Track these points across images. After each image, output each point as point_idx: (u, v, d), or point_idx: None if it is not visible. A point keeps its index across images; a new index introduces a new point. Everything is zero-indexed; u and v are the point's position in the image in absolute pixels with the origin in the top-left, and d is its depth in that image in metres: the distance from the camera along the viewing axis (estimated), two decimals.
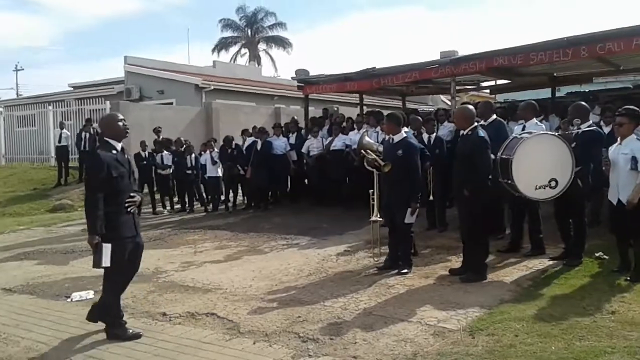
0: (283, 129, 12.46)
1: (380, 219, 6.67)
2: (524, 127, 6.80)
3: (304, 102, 13.84)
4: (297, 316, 4.83)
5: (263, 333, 4.48)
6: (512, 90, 14.32)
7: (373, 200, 6.82)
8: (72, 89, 26.45)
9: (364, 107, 14.40)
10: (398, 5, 77.92)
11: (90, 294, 5.88)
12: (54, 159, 17.02)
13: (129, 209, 4.54)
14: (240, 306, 5.22)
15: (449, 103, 14.00)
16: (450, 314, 4.71)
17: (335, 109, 15.50)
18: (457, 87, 13.97)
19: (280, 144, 11.78)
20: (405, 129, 6.84)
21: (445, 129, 9.58)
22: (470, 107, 6.10)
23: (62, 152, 15.66)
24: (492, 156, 5.90)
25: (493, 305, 4.91)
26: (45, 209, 13.83)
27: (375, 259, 6.80)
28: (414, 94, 14.49)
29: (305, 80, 13.06)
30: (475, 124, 5.80)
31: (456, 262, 6.39)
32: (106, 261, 4.36)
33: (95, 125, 14.58)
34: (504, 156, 5.91)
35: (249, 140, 12.13)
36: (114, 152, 4.51)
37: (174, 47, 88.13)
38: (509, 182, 5.90)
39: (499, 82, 13.86)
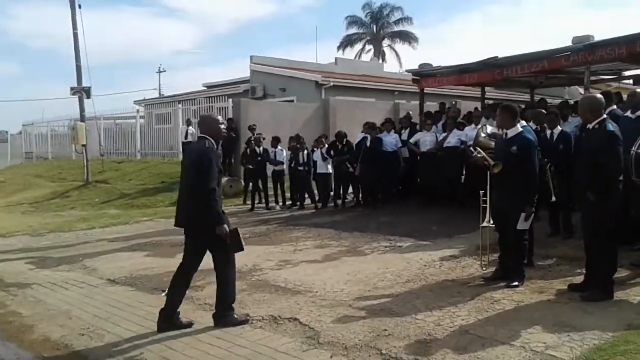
0: (395, 125, 11.92)
1: (492, 224, 5.98)
2: None
3: (419, 97, 13.12)
4: (384, 329, 4.39)
5: (343, 346, 4.10)
6: None
7: (484, 203, 6.15)
8: (205, 88, 27.98)
9: (488, 102, 13.39)
10: None
11: None
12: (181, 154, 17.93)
13: None
14: (326, 312, 4.89)
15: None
16: (563, 340, 4.00)
17: (454, 102, 14.62)
18: (594, 78, 12.55)
19: (391, 140, 11.27)
20: (523, 122, 6.08)
21: (572, 125, 8.46)
22: (598, 95, 5.22)
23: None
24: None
25: (617, 331, 4.11)
26: (170, 201, 14.48)
27: (484, 268, 6.13)
28: (544, 85, 13.17)
29: (420, 73, 12.38)
30: (604, 116, 4.92)
31: (579, 276, 5.53)
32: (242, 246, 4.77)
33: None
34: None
35: (360, 136, 11.76)
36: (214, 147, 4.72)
37: (304, 47, 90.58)
38: None
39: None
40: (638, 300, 4.87)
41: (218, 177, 4.63)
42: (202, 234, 4.69)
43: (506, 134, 5.60)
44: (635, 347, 3.71)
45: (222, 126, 4.87)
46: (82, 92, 16.13)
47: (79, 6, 15.98)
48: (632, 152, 5.07)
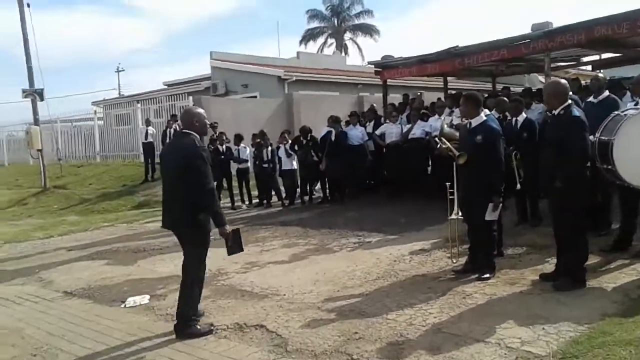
0: (360, 118, 11.75)
1: (460, 216, 5.87)
2: (638, 103, 5.70)
3: (382, 89, 12.97)
4: (354, 332, 4.21)
5: (312, 353, 3.91)
6: (617, 64, 12.64)
7: (452, 195, 6.03)
8: (166, 87, 27.35)
9: (451, 92, 13.35)
10: None
11: (145, 299, 5.64)
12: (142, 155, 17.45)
13: None
14: (294, 317, 4.69)
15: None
16: (538, 334, 3.89)
17: (419, 94, 14.55)
18: (553, 65, 12.62)
19: (356, 133, 11.09)
20: (487, 111, 5.97)
21: (535, 111, 8.42)
22: (563, 81, 5.13)
23: (148, 149, 15.93)
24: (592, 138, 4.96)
25: (593, 321, 4.02)
26: (132, 205, 14.09)
27: (454, 261, 6.02)
28: (505, 74, 13.20)
29: (382, 65, 12.25)
30: (569, 101, 4.83)
31: (550, 264, 5.47)
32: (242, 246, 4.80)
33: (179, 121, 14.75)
34: (602, 138, 4.92)
35: (324, 130, 11.55)
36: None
37: (265, 42, 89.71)
38: (609, 167, 4.91)
39: (604, 56, 12.26)
40: (612, 288, 4.81)
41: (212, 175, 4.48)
42: (186, 232, 4.51)
43: (470, 123, 5.48)
44: (613, 339, 3.61)
45: (207, 121, 4.70)
46: (34, 94, 15.47)
47: (28, 5, 15.31)
48: (595, 138, 5.00)
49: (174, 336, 4.44)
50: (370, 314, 4.59)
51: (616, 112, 5.12)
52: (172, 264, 7.18)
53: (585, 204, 4.83)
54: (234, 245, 4.65)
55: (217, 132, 12.79)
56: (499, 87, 13.15)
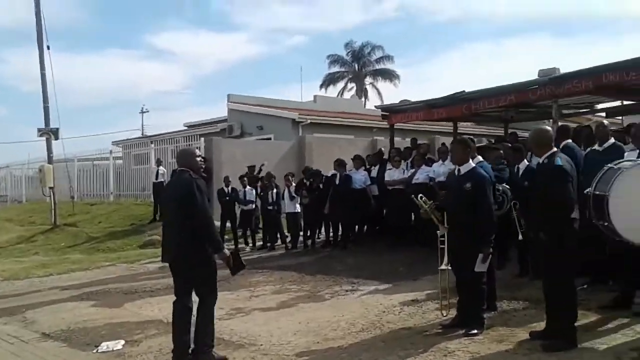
0: (365, 162, 11.60)
1: (450, 267, 5.59)
2: None
3: (389, 133, 12.83)
4: None
5: None
6: (631, 112, 12.34)
7: (442, 244, 5.77)
8: (186, 128, 27.78)
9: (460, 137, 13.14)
10: (520, 33, 74.64)
11: (118, 345, 5.45)
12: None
13: None
14: None
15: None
16: None
17: (426, 142, 14.37)
18: (567, 111, 12.38)
19: (359, 177, 10.93)
20: (479, 158, 5.78)
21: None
22: (546, 128, 4.94)
23: (158, 189, 15.93)
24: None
25: None
26: (138, 244, 14.02)
27: (444, 314, 5.70)
28: (515, 120, 12.98)
29: (389, 109, 12.14)
30: (554, 149, 4.61)
31: (544, 321, 5.13)
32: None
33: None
34: (597, 192, 4.65)
35: (330, 173, 11.42)
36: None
37: (288, 86, 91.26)
38: (605, 224, 4.63)
39: (624, 103, 11.92)
40: (603, 348, 4.47)
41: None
42: (189, 269, 4.61)
43: (459, 170, 5.28)
44: None
45: (199, 159, 4.89)
46: (49, 133, 15.77)
47: (48, 47, 15.78)
48: (589, 192, 4.74)
49: None
50: None
51: (609, 166, 4.84)
52: (157, 307, 7.02)
53: (574, 258, 4.54)
54: (236, 264, 4.77)
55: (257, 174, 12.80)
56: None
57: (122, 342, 5.52)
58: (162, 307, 6.97)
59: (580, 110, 12.40)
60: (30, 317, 6.91)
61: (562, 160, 4.47)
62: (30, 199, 23.53)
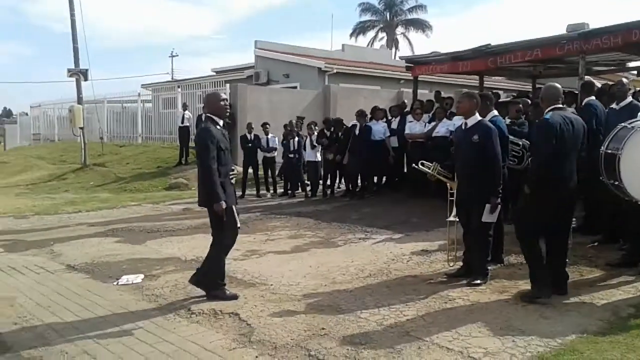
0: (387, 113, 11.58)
1: (457, 219, 5.70)
2: None
3: (413, 84, 12.71)
4: (321, 327, 4.17)
5: (273, 345, 3.89)
6: None
7: (451, 196, 5.86)
8: (214, 73, 27.78)
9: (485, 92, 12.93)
10: None
11: (138, 279, 5.74)
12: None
13: (232, 181, 4.92)
14: (270, 307, 4.68)
15: (598, 85, 11.70)
16: (506, 346, 3.74)
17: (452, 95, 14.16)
18: (597, 68, 12.08)
19: (379, 129, 10.94)
20: (495, 112, 5.77)
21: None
22: (557, 85, 4.86)
23: (183, 133, 16.23)
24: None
25: (567, 337, 3.84)
26: (163, 186, 14.41)
27: (450, 264, 5.86)
28: (543, 76, 12.69)
29: (414, 60, 12.01)
30: (559, 105, 4.61)
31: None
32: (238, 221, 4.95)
33: None
34: (609, 151, 4.65)
35: (351, 124, 11.44)
36: (218, 127, 4.87)
37: (318, 35, 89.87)
38: (616, 183, 4.65)
39: None
40: (602, 304, 4.58)
41: (220, 155, 4.73)
42: (208, 210, 4.90)
43: (466, 123, 5.31)
44: (579, 358, 3.44)
45: (223, 103, 4.95)
46: (79, 74, 16.02)
47: None
48: (601, 151, 4.74)
49: (148, 318, 4.50)
50: (345, 310, 4.53)
51: (622, 124, 4.81)
52: (177, 246, 7.32)
53: (537, 217, 4.66)
54: (230, 221, 4.86)
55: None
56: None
57: (142, 276, 5.82)
58: (182, 246, 7.30)
59: (611, 68, 12.08)
60: (57, 250, 7.28)
61: (552, 115, 4.47)
62: (62, 138, 24.14)
